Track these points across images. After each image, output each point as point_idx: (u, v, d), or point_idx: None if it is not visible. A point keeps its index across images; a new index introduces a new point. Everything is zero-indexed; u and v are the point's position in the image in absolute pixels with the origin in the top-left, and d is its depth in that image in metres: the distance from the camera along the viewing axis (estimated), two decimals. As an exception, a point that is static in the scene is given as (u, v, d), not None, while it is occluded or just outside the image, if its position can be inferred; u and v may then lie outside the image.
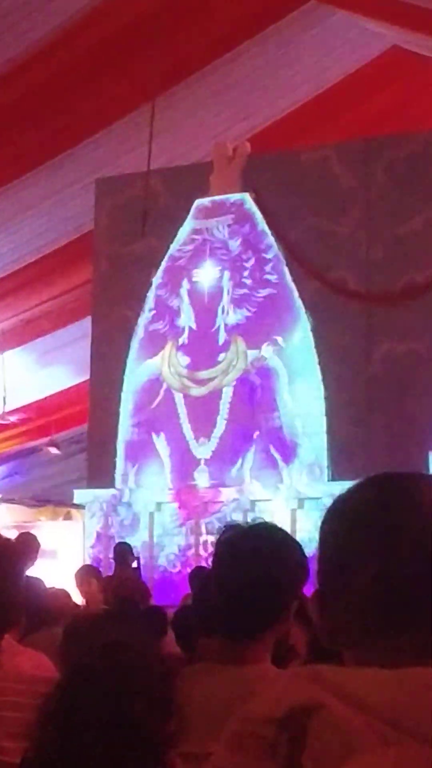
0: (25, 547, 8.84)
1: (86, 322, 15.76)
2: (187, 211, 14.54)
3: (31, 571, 9.12)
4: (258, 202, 14.23)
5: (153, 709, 2.22)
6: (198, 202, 14.52)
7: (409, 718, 1.43)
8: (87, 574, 10.70)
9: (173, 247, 14.60)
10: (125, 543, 13.08)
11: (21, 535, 9.86)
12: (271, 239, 14.11)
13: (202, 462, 14.15)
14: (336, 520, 1.62)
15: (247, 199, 14.32)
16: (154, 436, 14.43)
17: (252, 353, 14.07)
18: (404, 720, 1.43)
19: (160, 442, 14.40)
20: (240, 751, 1.47)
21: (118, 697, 2.21)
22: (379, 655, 1.52)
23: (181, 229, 14.57)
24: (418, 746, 1.40)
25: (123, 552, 12.57)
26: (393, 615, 1.53)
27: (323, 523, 1.64)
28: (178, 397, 14.38)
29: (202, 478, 14.14)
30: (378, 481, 1.63)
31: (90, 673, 2.26)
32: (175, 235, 14.58)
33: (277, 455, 13.78)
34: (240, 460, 13.96)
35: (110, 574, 12.43)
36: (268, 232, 14.13)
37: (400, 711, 1.44)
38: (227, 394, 14.15)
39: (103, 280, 15.16)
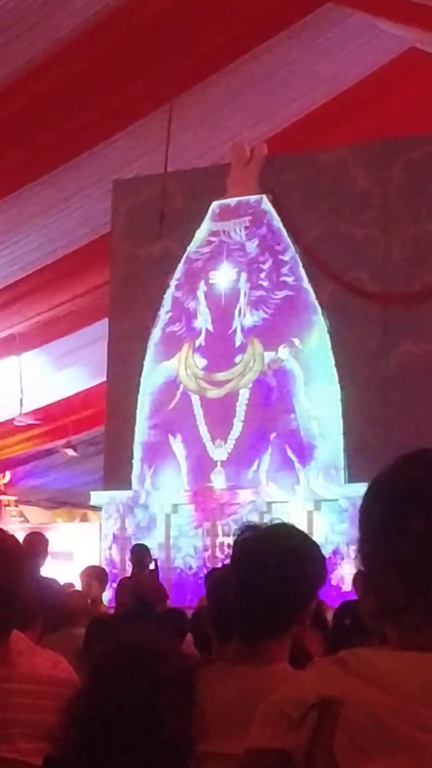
0: (33, 546, 8.84)
1: (103, 324, 15.76)
2: (204, 213, 14.54)
3: (47, 573, 9.15)
4: (275, 203, 14.22)
5: (177, 713, 2.22)
6: (215, 204, 14.51)
7: None
8: (89, 576, 10.69)
9: (190, 249, 14.59)
10: (142, 545, 13.07)
11: (29, 534, 9.85)
12: (288, 241, 14.09)
13: (219, 464, 14.14)
14: (378, 498, 1.63)
15: (265, 200, 14.31)
16: (170, 437, 14.42)
17: (269, 355, 14.06)
18: None
19: (177, 444, 14.39)
20: (270, 725, 1.53)
21: (144, 702, 2.21)
22: (422, 636, 1.53)
23: (198, 230, 14.56)
24: None
25: (140, 554, 12.56)
26: None
27: (364, 503, 1.65)
28: (195, 399, 14.37)
29: (218, 480, 14.13)
30: (416, 456, 1.64)
31: (116, 677, 2.26)
32: (192, 237, 14.57)
33: (293, 457, 13.76)
34: (256, 462, 13.95)
35: (127, 576, 12.44)
36: (285, 233, 14.12)
37: None
38: (244, 396, 14.13)
39: (120, 281, 15.16)
